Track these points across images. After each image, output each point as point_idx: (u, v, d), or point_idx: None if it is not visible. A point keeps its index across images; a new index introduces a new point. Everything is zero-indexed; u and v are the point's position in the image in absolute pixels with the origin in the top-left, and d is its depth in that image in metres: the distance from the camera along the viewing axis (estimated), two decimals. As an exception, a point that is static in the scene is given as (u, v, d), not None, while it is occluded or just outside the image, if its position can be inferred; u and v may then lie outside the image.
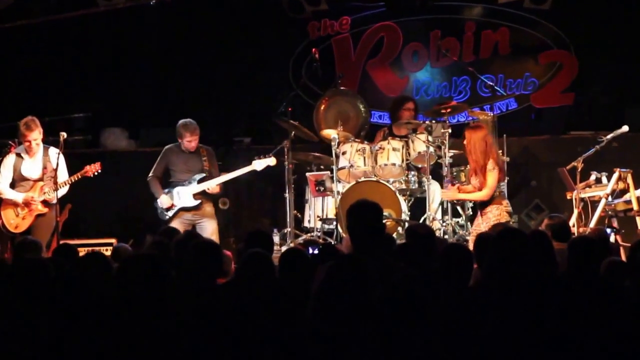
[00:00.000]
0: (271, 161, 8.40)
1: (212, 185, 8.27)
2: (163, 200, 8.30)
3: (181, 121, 8.37)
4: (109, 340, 3.58)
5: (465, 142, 7.52)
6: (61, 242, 7.39)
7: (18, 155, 8.06)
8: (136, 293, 3.68)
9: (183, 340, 3.63)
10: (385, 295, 3.37)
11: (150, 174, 8.41)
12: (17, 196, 7.99)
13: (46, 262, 4.39)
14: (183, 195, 8.29)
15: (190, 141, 8.28)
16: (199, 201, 8.28)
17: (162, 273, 3.78)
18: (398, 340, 3.26)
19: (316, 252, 6.17)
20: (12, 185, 8.07)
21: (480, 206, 7.53)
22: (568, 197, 8.14)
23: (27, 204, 7.97)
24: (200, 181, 8.29)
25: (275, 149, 8.80)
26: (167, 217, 8.30)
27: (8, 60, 10.48)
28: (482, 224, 7.40)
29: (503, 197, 7.58)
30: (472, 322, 3.82)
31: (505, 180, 8.01)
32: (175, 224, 8.13)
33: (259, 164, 8.35)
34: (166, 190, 8.35)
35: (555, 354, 3.73)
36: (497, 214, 7.36)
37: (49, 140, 8.21)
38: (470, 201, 7.92)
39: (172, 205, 8.30)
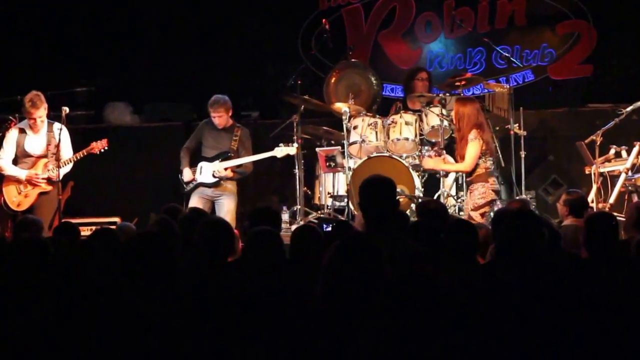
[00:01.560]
0: (292, 150, 8.31)
1: (230, 166, 8.23)
2: (185, 173, 8.35)
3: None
4: (112, 319, 3.51)
5: (452, 112, 7.48)
6: (63, 220, 7.25)
7: (21, 130, 7.91)
8: (140, 272, 3.67)
9: (188, 321, 3.56)
10: (395, 275, 3.23)
11: (184, 146, 8.47)
12: (20, 173, 7.86)
13: (45, 241, 4.30)
14: (204, 171, 8.31)
15: (214, 117, 8.30)
16: (217, 179, 8.27)
17: (167, 251, 3.76)
18: (409, 321, 3.16)
19: (329, 229, 6.04)
20: (15, 162, 7.93)
21: (467, 183, 7.49)
22: (587, 172, 8.07)
23: (30, 181, 7.81)
24: (223, 160, 8.27)
25: (284, 124, 8.64)
26: (186, 190, 8.36)
27: (8, 33, 10.36)
28: (470, 202, 7.39)
29: (490, 174, 7.47)
30: (486, 299, 3.76)
31: (494, 158, 7.78)
32: (194, 198, 8.27)
33: (280, 151, 8.29)
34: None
35: (570, 331, 3.63)
36: (482, 192, 7.35)
37: (51, 115, 8.07)
38: (454, 172, 7.89)
39: (193, 180, 8.32)
